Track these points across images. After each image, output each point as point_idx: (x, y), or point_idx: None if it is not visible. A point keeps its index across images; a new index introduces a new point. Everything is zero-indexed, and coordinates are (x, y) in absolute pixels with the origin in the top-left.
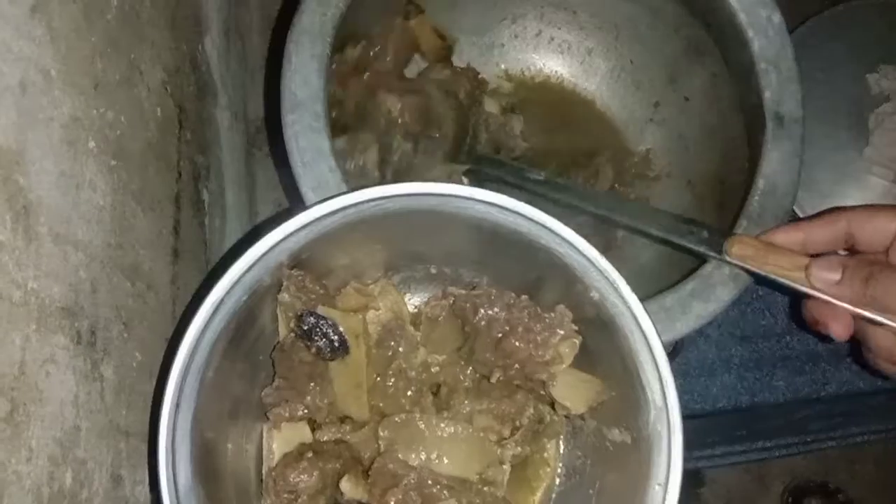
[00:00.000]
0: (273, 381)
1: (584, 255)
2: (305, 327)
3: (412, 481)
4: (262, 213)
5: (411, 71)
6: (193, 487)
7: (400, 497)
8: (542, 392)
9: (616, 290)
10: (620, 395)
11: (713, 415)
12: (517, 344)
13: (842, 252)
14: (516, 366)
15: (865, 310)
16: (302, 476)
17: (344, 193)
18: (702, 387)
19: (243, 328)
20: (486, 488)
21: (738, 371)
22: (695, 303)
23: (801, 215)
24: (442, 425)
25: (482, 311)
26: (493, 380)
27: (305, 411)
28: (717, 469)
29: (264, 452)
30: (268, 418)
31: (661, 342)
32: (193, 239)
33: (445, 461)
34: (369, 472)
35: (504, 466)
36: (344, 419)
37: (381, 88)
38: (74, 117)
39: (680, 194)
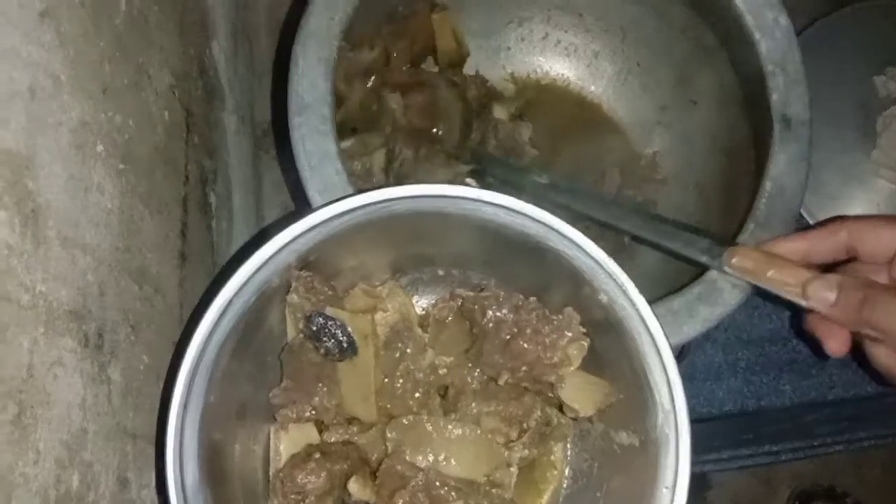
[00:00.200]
0: (281, 382)
1: (593, 258)
2: (314, 328)
3: (420, 483)
4: (268, 216)
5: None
6: (201, 488)
7: (408, 498)
8: (550, 394)
9: (625, 292)
10: (628, 398)
11: (720, 418)
12: (525, 346)
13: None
14: (524, 368)
15: (861, 330)
16: (310, 477)
17: (352, 195)
18: (708, 390)
19: (251, 329)
20: (493, 490)
21: (745, 375)
22: (702, 306)
23: (807, 218)
24: (450, 427)
25: (490, 312)
26: (501, 382)
27: (313, 412)
28: (723, 473)
29: (272, 453)
30: (275, 419)
31: (670, 345)
32: (200, 242)
33: (453, 463)
34: (377, 474)
35: (511, 469)
36: (351, 420)
37: (385, 87)
38: (83, 121)
39: (687, 197)
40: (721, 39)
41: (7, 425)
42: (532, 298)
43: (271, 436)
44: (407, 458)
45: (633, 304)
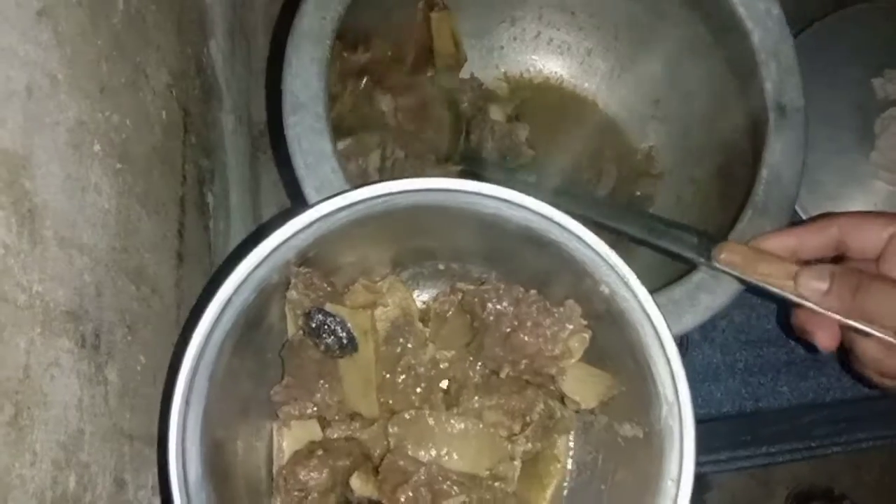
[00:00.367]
0: (282, 379)
1: (594, 250)
2: (314, 325)
3: (422, 477)
4: (266, 216)
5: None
6: (204, 486)
7: (410, 494)
8: (552, 387)
9: (626, 284)
10: (631, 390)
11: (718, 420)
12: (526, 339)
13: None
14: (525, 361)
15: (853, 320)
16: (312, 474)
17: (351, 190)
18: (706, 392)
19: (252, 326)
20: (496, 484)
21: (743, 376)
22: (702, 295)
23: (804, 217)
24: (452, 421)
25: (490, 305)
26: (503, 375)
27: (315, 409)
28: (721, 474)
29: (274, 451)
30: (277, 416)
31: (672, 336)
32: (198, 242)
33: (455, 457)
34: (379, 469)
35: (514, 462)
36: (353, 416)
37: (378, 88)
38: (80, 121)
39: (684, 190)
40: (713, 31)
41: (3, 427)
42: (533, 291)
43: (274, 433)
44: (409, 452)
45: (636, 296)
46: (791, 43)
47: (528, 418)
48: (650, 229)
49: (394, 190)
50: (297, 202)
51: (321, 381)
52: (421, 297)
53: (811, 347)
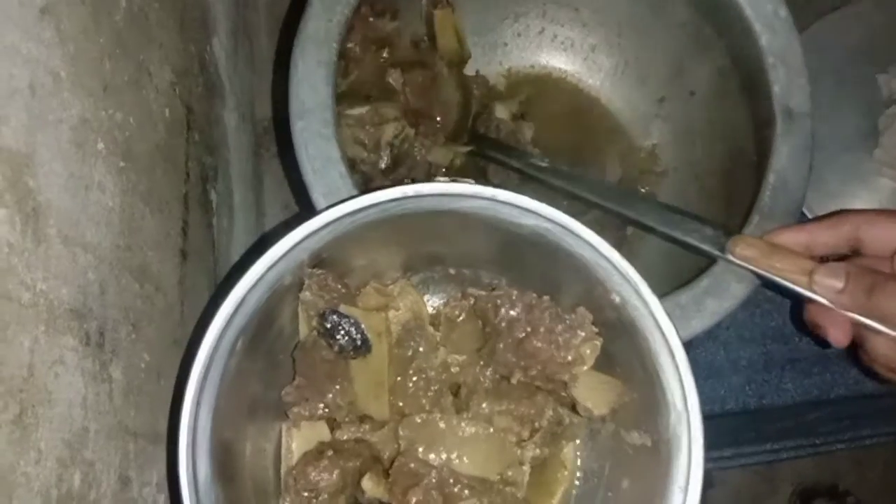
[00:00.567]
0: (293, 380)
1: (607, 258)
2: (328, 325)
3: (433, 480)
4: (269, 214)
5: None
6: (213, 486)
7: (421, 496)
8: (563, 394)
9: (638, 292)
10: (640, 398)
11: (722, 416)
12: (539, 345)
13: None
14: (538, 367)
15: (866, 318)
16: (323, 474)
17: (365, 193)
18: (710, 388)
19: (263, 327)
20: (506, 489)
21: (747, 373)
22: (709, 300)
23: (809, 215)
24: (462, 425)
25: (503, 311)
26: (514, 381)
27: (326, 410)
28: (725, 471)
29: (283, 451)
30: (287, 417)
31: (683, 345)
32: (201, 240)
33: (466, 461)
34: (390, 472)
35: (524, 467)
36: (364, 418)
37: (390, 64)
38: (83, 119)
39: (687, 189)
40: (719, 31)
41: (8, 425)
42: (545, 297)
43: (283, 434)
44: (420, 455)
45: (646, 304)
46: (799, 46)
47: (537, 424)
48: (664, 219)
49: (407, 194)
50: (304, 204)
51: (332, 383)
52: (431, 302)
53: (822, 343)
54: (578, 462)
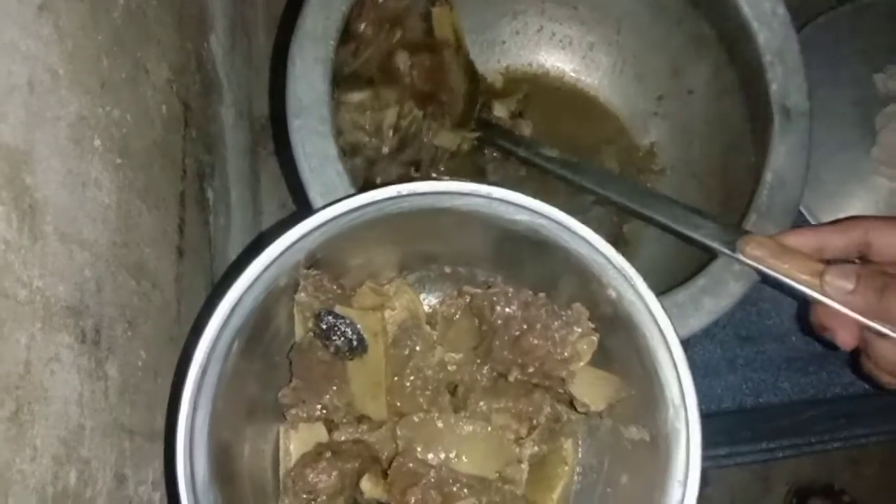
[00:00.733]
0: (290, 381)
1: (602, 253)
2: (324, 326)
3: (432, 480)
4: (266, 212)
5: None
6: (211, 488)
7: (420, 496)
8: (560, 390)
9: (633, 287)
10: (638, 393)
11: (718, 415)
12: (535, 342)
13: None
14: (535, 364)
15: (875, 321)
16: (321, 476)
17: (360, 192)
18: (707, 387)
19: (259, 328)
20: (505, 487)
21: (743, 371)
22: (706, 298)
23: (806, 214)
24: (460, 424)
25: (499, 309)
26: (511, 378)
27: (323, 411)
28: (721, 469)
29: (281, 453)
30: (284, 419)
31: (679, 339)
32: (198, 237)
33: (464, 460)
34: (388, 472)
35: (522, 465)
36: (361, 419)
37: (399, 45)
38: (81, 116)
39: (685, 188)
40: (717, 30)
41: (4, 422)
42: (541, 294)
43: (281, 435)
44: (418, 455)
45: (643, 299)
46: (797, 45)
47: (535, 421)
48: (674, 215)
49: (403, 193)
50: (301, 201)
51: (329, 384)
52: (427, 301)
53: (829, 344)
54: (578, 458)
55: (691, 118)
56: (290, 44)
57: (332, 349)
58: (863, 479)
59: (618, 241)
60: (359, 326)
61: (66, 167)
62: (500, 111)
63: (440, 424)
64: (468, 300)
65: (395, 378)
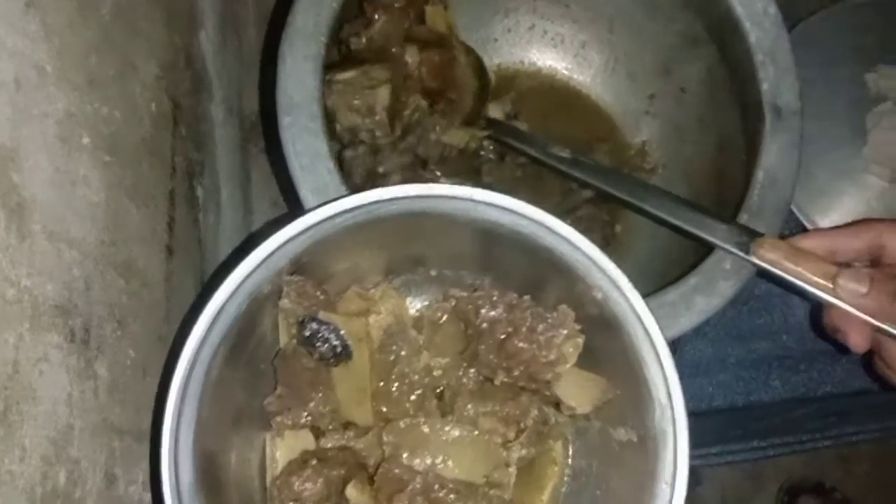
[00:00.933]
0: (275, 389)
1: (585, 254)
2: (307, 333)
3: (418, 486)
4: (257, 210)
5: None
6: (196, 498)
7: (406, 502)
8: (547, 393)
9: (618, 287)
10: (625, 394)
11: (709, 414)
12: (520, 345)
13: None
14: (520, 367)
15: (888, 324)
16: (307, 484)
17: (344, 197)
18: (698, 386)
19: (244, 336)
20: (492, 491)
21: (735, 370)
22: (698, 297)
23: (797, 213)
24: (447, 429)
25: (484, 312)
26: (497, 382)
27: (309, 418)
28: (712, 468)
29: (268, 461)
30: (271, 427)
31: (665, 339)
32: (188, 236)
33: (451, 465)
34: (375, 478)
35: (510, 469)
36: (348, 425)
37: (407, 35)
38: (69, 113)
39: (676, 187)
40: (709, 29)
41: None
42: (526, 297)
43: (267, 443)
44: (404, 461)
45: (627, 299)
46: (788, 44)
47: (522, 424)
48: (687, 217)
49: (387, 197)
50: (292, 199)
51: (315, 391)
52: (414, 305)
53: (842, 347)
54: (567, 460)
55: (683, 117)
56: (281, 41)
57: (315, 356)
58: (854, 478)
59: (610, 240)
60: (343, 332)
61: (53, 165)
62: (494, 112)
63: (426, 429)
64: (453, 304)
65: (381, 383)
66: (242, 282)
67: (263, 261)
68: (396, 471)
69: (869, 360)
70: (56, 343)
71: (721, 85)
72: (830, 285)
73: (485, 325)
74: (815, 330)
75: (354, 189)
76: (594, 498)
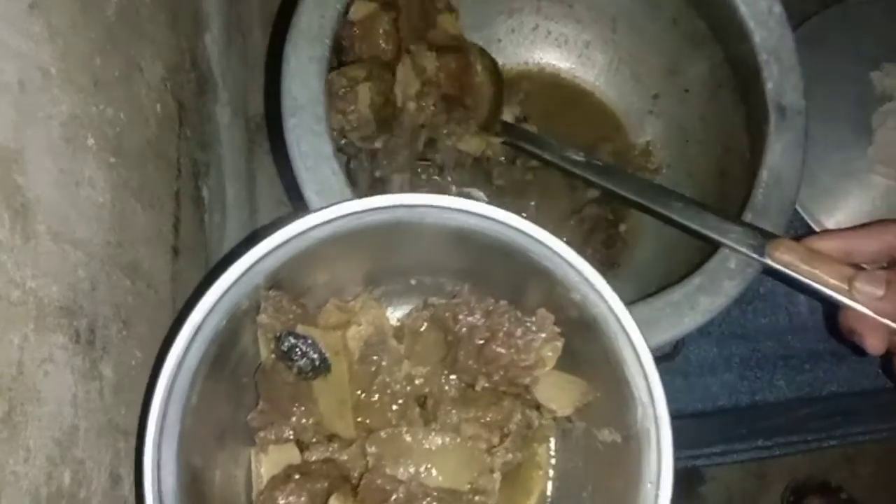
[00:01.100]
0: (257, 404)
1: (562, 257)
2: (284, 348)
3: (401, 496)
4: (262, 210)
5: None
6: None
7: None
8: (528, 397)
9: (595, 289)
10: (607, 395)
11: (714, 413)
12: (499, 350)
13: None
14: (500, 372)
15: None
16: (290, 498)
17: (320, 209)
18: (703, 385)
19: (225, 352)
20: (477, 498)
21: (739, 370)
22: (702, 297)
23: (802, 212)
24: (430, 437)
25: (462, 318)
26: (478, 387)
27: (292, 433)
28: (717, 467)
29: (253, 477)
30: (255, 442)
31: (644, 339)
32: (193, 236)
33: (434, 473)
34: (358, 490)
35: (494, 475)
36: (332, 438)
37: (421, 44)
38: (73, 115)
39: (681, 186)
40: (713, 28)
41: None
42: (503, 302)
43: (252, 459)
44: (387, 471)
45: (605, 301)
46: (792, 43)
47: (506, 429)
48: (701, 220)
49: (363, 208)
50: (296, 200)
51: (296, 405)
52: (395, 314)
53: (858, 348)
54: (552, 463)
55: (687, 117)
56: (285, 42)
57: (294, 370)
58: (859, 478)
59: (615, 240)
60: (320, 346)
61: (58, 166)
62: (505, 115)
63: (408, 438)
64: (432, 312)
65: (363, 394)
66: (218, 301)
67: (238, 279)
68: (379, 481)
69: (886, 362)
70: (61, 344)
71: (724, 84)
72: (846, 287)
73: (463, 331)
74: (830, 331)
75: (361, 195)
76: (580, 500)
